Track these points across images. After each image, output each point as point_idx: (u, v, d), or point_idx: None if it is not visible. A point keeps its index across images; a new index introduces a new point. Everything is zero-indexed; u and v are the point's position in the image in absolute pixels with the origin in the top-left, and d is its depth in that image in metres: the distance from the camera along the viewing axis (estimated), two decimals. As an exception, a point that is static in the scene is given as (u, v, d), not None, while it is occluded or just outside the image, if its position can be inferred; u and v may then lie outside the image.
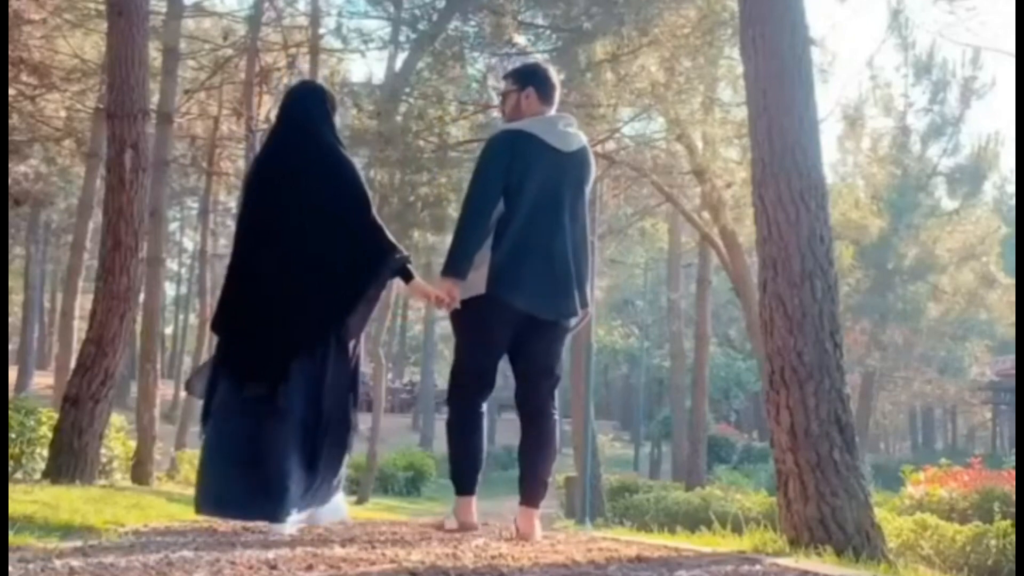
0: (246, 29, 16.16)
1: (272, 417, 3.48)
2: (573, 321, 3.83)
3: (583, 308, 3.81)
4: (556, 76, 4.03)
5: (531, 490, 3.73)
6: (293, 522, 3.56)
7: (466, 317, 3.68)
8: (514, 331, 3.69)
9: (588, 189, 3.86)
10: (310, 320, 3.55)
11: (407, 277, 3.73)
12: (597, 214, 15.44)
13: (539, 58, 12.93)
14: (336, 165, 3.70)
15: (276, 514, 3.47)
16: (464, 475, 3.73)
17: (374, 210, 3.75)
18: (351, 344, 3.72)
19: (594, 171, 3.89)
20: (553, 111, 3.89)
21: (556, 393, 3.83)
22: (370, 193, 3.81)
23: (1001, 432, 37.86)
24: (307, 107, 3.82)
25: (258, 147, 14.52)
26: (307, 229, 3.60)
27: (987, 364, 31.77)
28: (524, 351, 3.76)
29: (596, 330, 19.51)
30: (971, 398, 33.68)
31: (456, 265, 3.63)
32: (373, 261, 3.64)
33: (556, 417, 3.82)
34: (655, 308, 33.33)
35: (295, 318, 3.54)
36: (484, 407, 3.80)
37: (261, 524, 3.62)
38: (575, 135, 3.83)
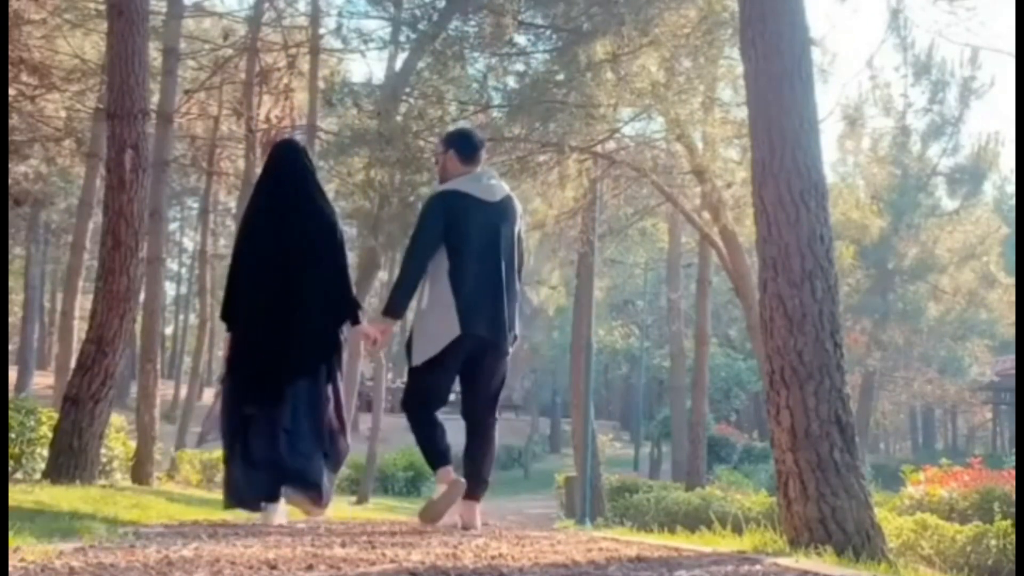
0: (246, 29, 16.17)
1: (274, 430, 4.23)
2: (511, 346, 4.41)
3: (514, 333, 4.41)
4: (480, 136, 4.70)
5: (474, 487, 4.31)
6: (282, 510, 4.26)
7: (423, 352, 4.29)
8: (466, 357, 4.29)
9: (517, 230, 4.47)
10: (300, 355, 4.29)
11: (356, 322, 4.50)
12: (597, 214, 15.44)
13: (539, 58, 12.95)
14: (318, 215, 4.39)
15: (271, 494, 4.22)
16: (435, 457, 4.31)
17: (345, 254, 4.52)
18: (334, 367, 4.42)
19: (519, 213, 4.51)
20: (478, 168, 4.50)
21: (498, 403, 4.47)
22: (344, 233, 4.58)
23: (1001, 432, 37.88)
24: (292, 164, 4.48)
25: (258, 147, 14.55)
26: (296, 275, 4.28)
27: (987, 364, 31.73)
28: (474, 372, 4.37)
29: (596, 330, 19.49)
30: (971, 398, 33.66)
31: (396, 307, 4.36)
32: (343, 310, 4.43)
33: (496, 425, 4.47)
34: (655, 308, 33.32)
35: (289, 352, 4.27)
36: (438, 415, 4.38)
37: (258, 516, 4.27)
38: (498, 186, 4.47)
